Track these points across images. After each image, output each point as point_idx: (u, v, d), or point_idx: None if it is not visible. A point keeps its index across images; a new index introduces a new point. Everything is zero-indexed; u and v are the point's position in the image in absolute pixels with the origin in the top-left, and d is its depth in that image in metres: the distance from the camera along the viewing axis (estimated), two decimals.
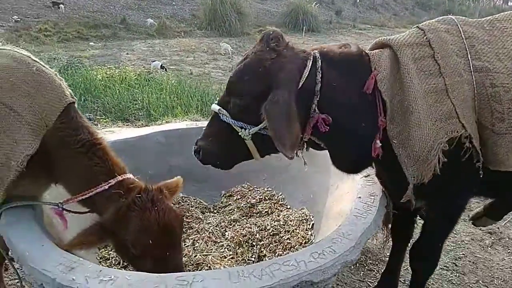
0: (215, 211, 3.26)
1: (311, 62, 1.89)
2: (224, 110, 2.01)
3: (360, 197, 2.31)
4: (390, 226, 2.69)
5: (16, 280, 2.93)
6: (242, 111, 1.96)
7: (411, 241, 2.72)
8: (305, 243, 2.69)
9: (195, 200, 3.32)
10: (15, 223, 2.03)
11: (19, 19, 15.89)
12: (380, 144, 1.98)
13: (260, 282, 1.68)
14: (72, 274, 1.72)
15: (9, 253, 2.24)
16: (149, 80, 9.54)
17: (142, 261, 2.00)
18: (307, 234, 2.75)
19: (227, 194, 3.37)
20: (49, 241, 1.96)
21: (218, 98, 2.21)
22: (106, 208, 2.06)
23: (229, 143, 2.08)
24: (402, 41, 2.06)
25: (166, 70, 11.39)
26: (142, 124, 6.95)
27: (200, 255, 2.66)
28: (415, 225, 2.78)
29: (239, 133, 1.98)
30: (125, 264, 2.52)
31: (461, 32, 2.12)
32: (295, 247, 2.67)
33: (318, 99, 1.90)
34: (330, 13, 26.52)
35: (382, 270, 3.22)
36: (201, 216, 3.12)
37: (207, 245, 2.81)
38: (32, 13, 16.96)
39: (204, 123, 3.61)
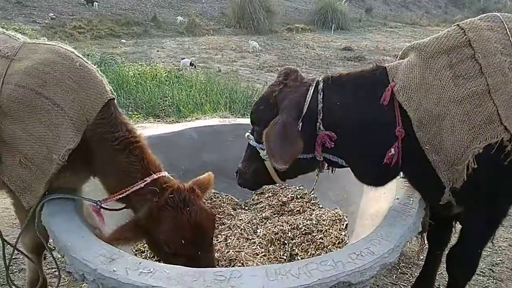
0: (246, 208, 3.26)
1: (313, 88, 2.10)
2: (252, 136, 2.33)
3: (398, 198, 2.25)
4: (425, 234, 2.61)
5: (53, 269, 3.03)
6: (261, 136, 2.14)
7: (448, 245, 2.64)
8: (338, 243, 2.65)
9: (227, 197, 3.33)
10: (57, 214, 2.09)
11: (54, 17, 16.42)
12: (393, 152, 2.00)
13: (298, 281, 1.67)
14: (113, 265, 1.75)
15: (49, 243, 2.33)
16: (178, 77, 9.69)
17: (175, 259, 2.02)
18: (341, 235, 2.72)
19: (259, 192, 3.37)
20: (89, 232, 2.00)
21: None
22: (140, 206, 2.09)
23: (255, 164, 2.34)
24: (437, 47, 2.02)
25: (195, 67, 11.52)
26: (172, 120, 7.05)
27: (232, 251, 2.67)
28: (453, 229, 2.70)
29: (260, 154, 2.25)
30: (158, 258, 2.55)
31: (506, 29, 2.03)
32: (328, 247, 2.64)
33: (321, 117, 2.06)
34: (360, 11, 26.13)
35: (416, 274, 3.15)
36: (232, 213, 3.13)
37: (239, 242, 2.82)
38: (67, 11, 17.49)
39: (237, 120, 3.64)
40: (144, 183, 2.08)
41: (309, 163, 2.20)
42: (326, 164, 2.27)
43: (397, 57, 2.27)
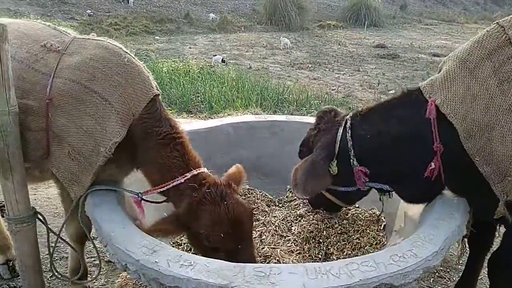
0: (280, 205, 3.25)
1: (342, 127, 2.25)
2: None
3: (441, 200, 2.18)
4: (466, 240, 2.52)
5: (93, 259, 3.13)
6: None
7: (490, 249, 2.54)
8: (376, 244, 2.61)
9: (261, 193, 3.34)
10: (101, 205, 2.15)
11: (92, 13, 16.92)
12: (433, 166, 2.03)
13: (338, 281, 1.64)
14: (155, 257, 1.78)
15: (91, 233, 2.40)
16: (210, 74, 9.76)
17: (215, 253, 2.04)
18: (379, 235, 2.67)
19: None
20: (131, 224, 2.05)
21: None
22: (180, 200, 2.13)
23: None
24: (479, 53, 1.97)
25: (226, 64, 11.58)
26: (205, 116, 7.12)
27: (268, 247, 2.67)
28: (496, 233, 2.59)
29: None
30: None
31: None
32: (365, 248, 2.59)
33: (353, 154, 2.19)
34: (394, 8, 25.52)
35: (454, 278, 3.06)
36: (267, 209, 3.13)
37: (274, 238, 2.82)
38: (103, 8, 17.97)
39: (273, 117, 3.64)
40: (184, 178, 2.12)
41: (358, 193, 2.43)
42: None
43: (438, 70, 2.23)
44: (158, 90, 2.28)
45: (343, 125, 2.27)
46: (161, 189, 2.16)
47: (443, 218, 2.03)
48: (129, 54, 2.26)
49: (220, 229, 2.00)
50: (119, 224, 2.02)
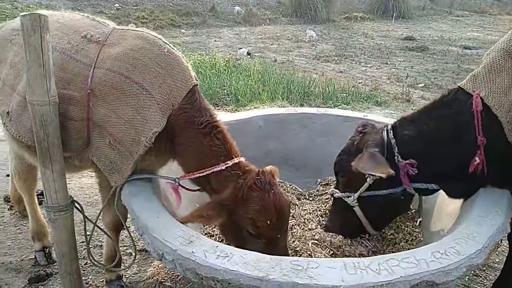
0: (310, 199, 3.22)
1: (385, 130, 2.29)
2: (335, 190, 2.55)
3: (483, 195, 2.10)
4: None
5: (125, 247, 3.19)
6: (345, 185, 2.48)
7: None
8: (411, 240, 2.54)
9: (291, 186, 3.31)
10: (137, 194, 2.18)
11: (119, 7, 17.15)
12: (478, 161, 2.00)
13: (378, 277, 1.61)
14: (192, 247, 1.79)
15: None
16: (236, 67, 9.75)
17: (254, 241, 2.06)
18: (414, 231, 2.60)
19: (324, 183, 3.31)
20: (168, 214, 2.07)
21: None
22: (223, 187, 2.14)
23: (345, 215, 2.51)
24: None
25: (251, 57, 11.54)
26: (231, 109, 7.13)
27: (298, 241, 2.64)
28: None
29: (348, 202, 2.43)
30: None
31: None
32: (400, 244, 2.53)
33: (397, 150, 2.20)
34: None
35: (490, 277, 2.96)
36: (297, 203, 3.11)
37: (304, 232, 2.79)
38: (131, 1, 18.19)
39: (304, 109, 3.60)
40: (226, 165, 2.12)
41: (400, 200, 2.34)
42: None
43: (481, 64, 2.18)
44: (197, 80, 2.28)
45: (385, 128, 2.31)
46: (203, 174, 2.15)
47: (486, 215, 1.96)
48: (168, 44, 2.28)
49: (268, 216, 2.02)
50: (156, 213, 2.04)
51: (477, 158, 2.01)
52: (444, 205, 2.43)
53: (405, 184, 2.22)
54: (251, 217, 2.03)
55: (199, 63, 9.46)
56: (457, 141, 2.09)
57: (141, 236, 2.05)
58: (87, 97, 2.17)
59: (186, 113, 2.20)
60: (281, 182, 3.28)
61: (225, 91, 8.11)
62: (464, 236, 1.83)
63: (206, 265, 1.70)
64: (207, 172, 2.14)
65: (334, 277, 1.61)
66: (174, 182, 2.23)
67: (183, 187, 2.27)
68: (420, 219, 2.67)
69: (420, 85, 9.48)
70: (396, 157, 2.19)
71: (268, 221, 2.01)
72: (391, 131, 2.26)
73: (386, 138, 2.26)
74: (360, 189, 2.34)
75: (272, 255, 1.84)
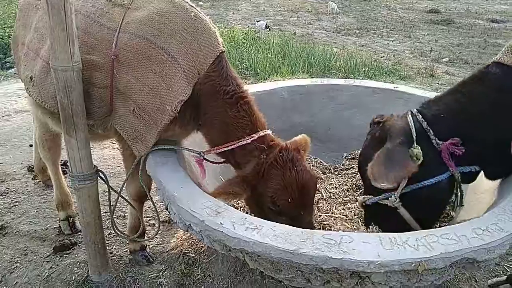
0: (336, 173, 3.14)
1: (410, 114, 2.06)
2: (366, 196, 2.16)
3: None
4: None
5: (148, 218, 3.18)
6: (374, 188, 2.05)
7: None
8: (443, 217, 2.44)
9: (316, 160, 3.23)
10: (164, 164, 2.13)
11: None
12: None
13: (417, 253, 1.53)
14: (220, 218, 1.74)
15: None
16: (255, 40, 9.55)
17: (277, 218, 1.99)
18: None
19: (350, 157, 3.22)
20: (194, 185, 2.02)
21: None
22: (246, 161, 2.07)
23: (386, 221, 2.15)
24: None
25: (270, 30, 11.28)
26: (251, 82, 7.00)
27: (325, 215, 2.58)
28: None
29: (389, 204, 2.03)
30: None
31: None
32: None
33: (432, 134, 1.98)
34: None
35: None
36: (322, 177, 3.03)
37: (331, 206, 2.72)
38: None
39: (329, 81, 3.46)
40: (251, 139, 2.05)
41: (446, 189, 2.07)
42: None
43: None
44: (224, 46, 2.18)
45: (409, 112, 2.08)
46: (227, 148, 2.09)
47: None
48: (195, 8, 2.16)
49: (288, 194, 1.95)
50: (182, 184, 1.99)
51: None
52: (480, 181, 2.31)
53: (451, 168, 1.97)
54: (271, 195, 1.97)
55: None
56: (499, 116, 1.95)
57: (167, 206, 2.02)
58: (111, 63, 2.09)
59: (212, 81, 2.10)
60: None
61: (244, 64, 7.95)
62: (507, 212, 1.73)
63: (235, 237, 1.65)
64: (233, 147, 2.06)
65: (370, 252, 1.55)
66: (198, 155, 2.16)
67: (208, 160, 2.21)
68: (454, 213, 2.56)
69: (444, 59, 9.14)
70: (433, 140, 1.98)
71: (289, 199, 1.94)
72: (419, 114, 2.04)
73: (412, 122, 2.02)
74: (400, 184, 1.97)
75: None
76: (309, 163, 3.17)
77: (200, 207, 1.82)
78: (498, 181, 2.15)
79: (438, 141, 1.97)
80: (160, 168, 2.10)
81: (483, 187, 2.29)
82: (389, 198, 2.00)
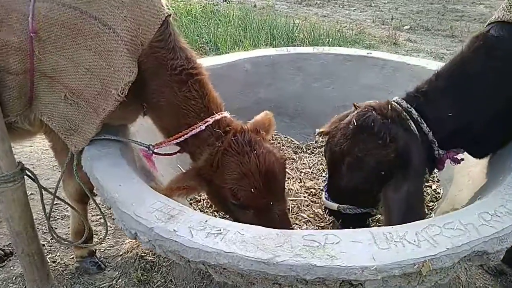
0: (309, 152, 2.84)
1: (412, 124, 1.74)
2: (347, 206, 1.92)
3: None
4: None
5: (99, 216, 2.77)
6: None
7: None
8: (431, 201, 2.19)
9: (286, 139, 2.91)
10: (101, 158, 1.73)
11: None
12: None
13: (419, 251, 1.24)
14: (173, 224, 1.38)
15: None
16: (214, 13, 9.08)
17: (243, 213, 1.71)
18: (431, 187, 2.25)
19: (323, 133, 2.91)
20: (141, 182, 1.64)
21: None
22: (201, 151, 1.73)
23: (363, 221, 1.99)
24: None
25: (228, 2, 10.76)
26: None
27: (294, 200, 2.27)
28: None
29: (374, 213, 1.93)
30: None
31: None
32: (425, 201, 2.17)
33: (437, 145, 1.76)
34: None
35: None
36: (294, 157, 2.73)
37: (302, 190, 2.43)
38: None
39: (298, 49, 3.12)
40: (206, 124, 1.71)
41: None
42: None
43: None
44: (169, 9, 1.76)
45: (409, 119, 1.76)
46: (178, 140, 1.73)
47: None
48: None
49: (250, 183, 1.64)
50: (126, 181, 1.61)
51: None
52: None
53: (442, 169, 1.88)
54: (230, 187, 1.65)
55: (173, 9, 8.70)
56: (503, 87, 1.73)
57: (109, 209, 1.63)
58: (29, 42, 1.64)
59: (157, 53, 1.72)
60: (275, 135, 2.87)
61: (203, 39, 7.54)
62: None
63: (194, 247, 1.30)
64: (186, 137, 1.71)
65: (362, 254, 1.24)
66: (147, 149, 1.78)
67: (159, 154, 1.84)
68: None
69: (405, 27, 9.07)
70: (436, 151, 1.78)
71: (252, 189, 1.63)
72: (419, 117, 1.74)
73: (416, 130, 1.73)
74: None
75: (269, 225, 1.48)
76: (279, 143, 2.85)
77: (148, 210, 1.45)
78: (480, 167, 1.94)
79: (441, 152, 1.79)
80: (97, 162, 1.70)
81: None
82: (375, 210, 1.88)
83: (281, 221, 1.74)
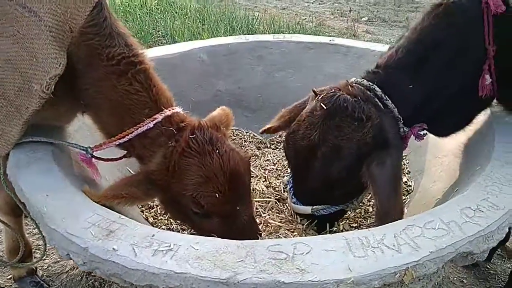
0: (273, 147, 2.65)
1: (377, 100, 1.61)
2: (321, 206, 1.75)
3: (497, 128, 1.64)
4: None
5: None
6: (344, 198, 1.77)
7: None
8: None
9: (248, 134, 2.71)
10: (30, 164, 1.47)
11: None
12: (488, 80, 1.59)
13: (400, 257, 1.09)
14: (113, 241, 1.15)
15: None
16: (170, 5, 8.75)
17: (206, 222, 1.50)
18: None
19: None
20: (76, 191, 1.39)
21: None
22: (150, 153, 1.50)
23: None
24: None
25: None
26: None
27: (259, 200, 2.08)
28: None
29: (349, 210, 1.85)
30: None
31: None
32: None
33: (402, 122, 1.63)
34: None
35: None
36: (257, 153, 2.54)
37: (268, 189, 2.24)
38: None
39: (257, 37, 2.92)
40: (154, 121, 1.47)
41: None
42: None
43: None
44: None
45: (373, 95, 1.62)
46: (122, 140, 1.49)
47: None
48: None
49: (214, 187, 1.43)
50: (56, 192, 1.35)
51: (487, 77, 1.59)
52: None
53: (405, 144, 1.72)
54: (191, 193, 1.43)
55: (126, 1, 8.31)
56: (464, 64, 1.62)
57: (38, 226, 1.38)
58: None
59: (90, 40, 1.47)
60: (236, 130, 2.66)
61: (159, 32, 7.25)
62: (495, 181, 1.35)
63: (137, 268, 1.09)
64: (131, 136, 1.48)
65: (336, 265, 1.07)
66: (84, 152, 1.53)
67: (100, 159, 1.59)
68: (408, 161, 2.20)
69: (363, 19, 9.15)
70: (401, 129, 1.64)
71: (217, 194, 1.43)
72: (382, 94, 1.61)
73: (382, 107, 1.61)
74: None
75: (235, 236, 1.30)
76: (240, 139, 2.65)
77: (82, 225, 1.21)
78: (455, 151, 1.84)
79: (406, 129, 1.65)
80: (23, 170, 1.44)
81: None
82: (350, 205, 1.76)
83: (249, 228, 1.56)
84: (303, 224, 1.81)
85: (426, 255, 1.09)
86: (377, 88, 1.62)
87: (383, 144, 1.55)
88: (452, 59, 1.61)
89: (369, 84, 1.62)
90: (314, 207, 1.71)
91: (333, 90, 1.61)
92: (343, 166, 1.57)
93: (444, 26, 1.60)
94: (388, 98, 1.61)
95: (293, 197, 1.79)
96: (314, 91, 1.69)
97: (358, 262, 1.08)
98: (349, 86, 1.62)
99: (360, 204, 1.91)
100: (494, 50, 1.57)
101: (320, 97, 1.61)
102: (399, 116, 1.62)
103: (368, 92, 1.61)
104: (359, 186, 1.62)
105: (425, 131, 1.70)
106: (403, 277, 1.07)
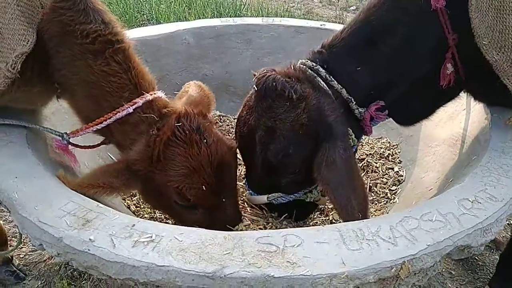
0: None
1: (321, 81, 1.52)
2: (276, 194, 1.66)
3: (495, 115, 1.59)
4: None
5: None
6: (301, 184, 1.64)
7: None
8: (392, 184, 2.01)
9: (235, 120, 2.61)
10: (1, 148, 1.37)
11: None
12: (450, 69, 1.49)
13: (396, 250, 1.03)
14: (89, 231, 1.07)
15: None
16: None
17: (189, 213, 1.43)
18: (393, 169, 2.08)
19: None
20: (51, 177, 1.29)
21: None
22: (130, 141, 1.41)
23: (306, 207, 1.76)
24: None
25: None
26: None
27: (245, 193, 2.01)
28: None
29: (308, 200, 1.67)
30: None
31: None
32: (386, 186, 1.99)
33: (355, 103, 1.56)
34: None
35: None
36: None
37: None
38: None
39: (246, 20, 2.81)
40: (134, 106, 1.38)
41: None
42: None
43: None
44: None
45: (317, 76, 1.53)
46: (99, 126, 1.39)
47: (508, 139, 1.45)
48: None
49: (201, 179, 1.36)
50: (28, 177, 1.25)
51: (449, 66, 1.50)
52: (435, 129, 1.92)
53: (369, 131, 1.64)
54: (176, 185, 1.35)
55: None
56: (423, 46, 1.53)
57: (9, 213, 1.28)
58: None
59: (62, 16, 1.36)
60: (222, 116, 2.57)
61: (144, 16, 7.03)
62: (493, 172, 1.30)
63: (116, 260, 1.01)
64: (109, 121, 1.38)
65: (329, 258, 1.01)
66: (60, 138, 1.43)
67: (77, 146, 1.49)
68: (399, 151, 2.15)
69: (352, 7, 9.09)
70: (356, 110, 1.56)
71: (203, 186, 1.36)
72: (327, 74, 1.52)
73: (327, 88, 1.52)
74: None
75: (219, 227, 1.25)
76: (227, 125, 2.56)
77: (57, 214, 1.12)
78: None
79: (361, 110, 1.56)
80: None
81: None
82: (309, 194, 1.63)
83: (233, 220, 1.50)
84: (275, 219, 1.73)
85: (424, 249, 1.04)
86: (320, 69, 1.53)
87: (325, 129, 1.46)
88: (406, 46, 1.51)
89: (313, 65, 1.54)
90: (269, 195, 1.62)
91: (265, 70, 1.52)
92: (279, 149, 1.48)
93: (392, 9, 1.50)
94: (333, 79, 1.52)
95: (248, 187, 1.71)
96: (254, 74, 1.60)
97: (352, 256, 1.02)
98: (289, 67, 1.55)
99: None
100: (454, 39, 1.46)
101: (254, 79, 1.54)
102: (350, 97, 1.54)
103: (311, 72, 1.52)
104: (307, 175, 1.52)
105: (386, 111, 1.60)
106: (399, 271, 1.02)
